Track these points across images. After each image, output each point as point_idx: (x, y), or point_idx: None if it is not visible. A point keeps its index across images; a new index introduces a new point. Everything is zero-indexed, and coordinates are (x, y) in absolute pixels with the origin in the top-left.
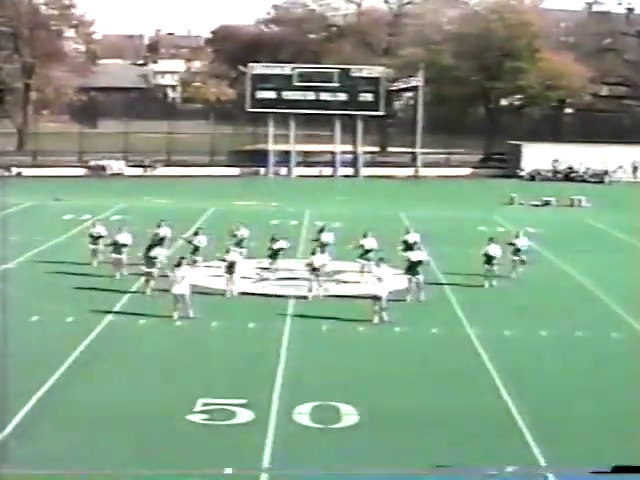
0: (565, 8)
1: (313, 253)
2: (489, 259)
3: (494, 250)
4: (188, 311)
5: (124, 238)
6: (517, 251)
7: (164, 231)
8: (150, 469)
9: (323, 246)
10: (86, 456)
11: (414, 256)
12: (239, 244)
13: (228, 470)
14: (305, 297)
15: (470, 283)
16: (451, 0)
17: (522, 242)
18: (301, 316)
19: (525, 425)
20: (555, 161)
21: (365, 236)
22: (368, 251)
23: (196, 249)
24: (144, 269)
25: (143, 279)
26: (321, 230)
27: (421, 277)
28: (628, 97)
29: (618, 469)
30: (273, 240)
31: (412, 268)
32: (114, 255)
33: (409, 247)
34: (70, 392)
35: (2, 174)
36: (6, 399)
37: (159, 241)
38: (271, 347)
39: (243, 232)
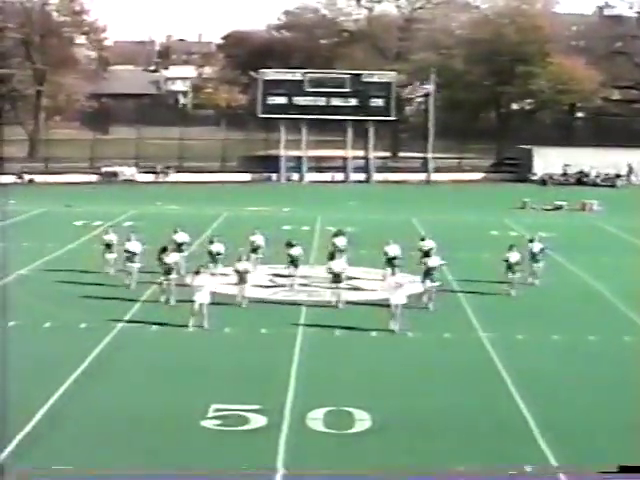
0: (576, 12)
1: (331, 258)
2: (510, 266)
3: (515, 257)
4: (203, 321)
5: (134, 246)
6: (533, 256)
7: (181, 237)
8: (152, 469)
9: (340, 252)
10: (98, 462)
11: (431, 262)
12: (254, 251)
13: (230, 471)
14: (320, 304)
15: (483, 287)
16: (462, 5)
17: (538, 246)
18: (314, 322)
19: (537, 428)
20: (566, 165)
21: (389, 243)
22: (392, 258)
23: (213, 257)
24: (161, 278)
25: (157, 286)
26: (335, 235)
27: (436, 283)
28: (639, 101)
29: (625, 469)
30: (290, 246)
31: (429, 274)
32: (127, 263)
33: (426, 253)
34: (83, 398)
35: (14, 181)
36: (19, 404)
37: (176, 247)
38: (284, 353)
39: (258, 238)
